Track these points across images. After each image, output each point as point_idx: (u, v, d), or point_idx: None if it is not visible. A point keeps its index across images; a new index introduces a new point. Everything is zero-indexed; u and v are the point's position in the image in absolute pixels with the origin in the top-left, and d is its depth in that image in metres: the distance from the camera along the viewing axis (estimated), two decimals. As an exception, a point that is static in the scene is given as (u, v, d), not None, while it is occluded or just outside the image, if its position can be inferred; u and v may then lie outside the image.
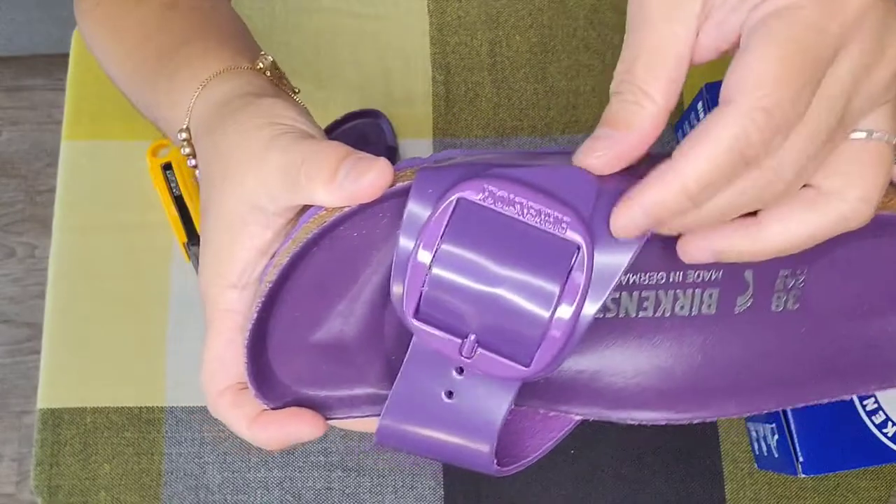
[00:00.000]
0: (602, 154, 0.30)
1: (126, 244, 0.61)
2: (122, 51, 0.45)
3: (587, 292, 0.30)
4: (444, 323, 0.31)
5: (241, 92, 0.37)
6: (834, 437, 0.50)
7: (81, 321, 0.60)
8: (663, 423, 0.36)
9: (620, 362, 0.37)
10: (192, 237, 0.61)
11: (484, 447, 0.33)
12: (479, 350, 0.31)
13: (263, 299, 0.33)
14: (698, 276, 0.35)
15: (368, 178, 0.31)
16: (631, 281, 0.35)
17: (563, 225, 0.30)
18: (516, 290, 0.30)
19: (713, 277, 0.36)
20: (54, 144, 1.36)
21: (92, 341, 0.60)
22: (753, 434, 0.57)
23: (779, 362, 0.37)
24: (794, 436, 0.50)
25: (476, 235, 0.30)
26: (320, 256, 0.33)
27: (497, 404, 0.32)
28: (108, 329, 0.60)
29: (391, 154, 0.62)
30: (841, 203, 0.29)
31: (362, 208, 0.32)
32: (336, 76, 0.65)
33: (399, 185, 0.32)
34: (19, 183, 1.37)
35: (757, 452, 0.57)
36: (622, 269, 0.30)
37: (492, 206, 0.30)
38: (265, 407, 0.35)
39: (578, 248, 0.30)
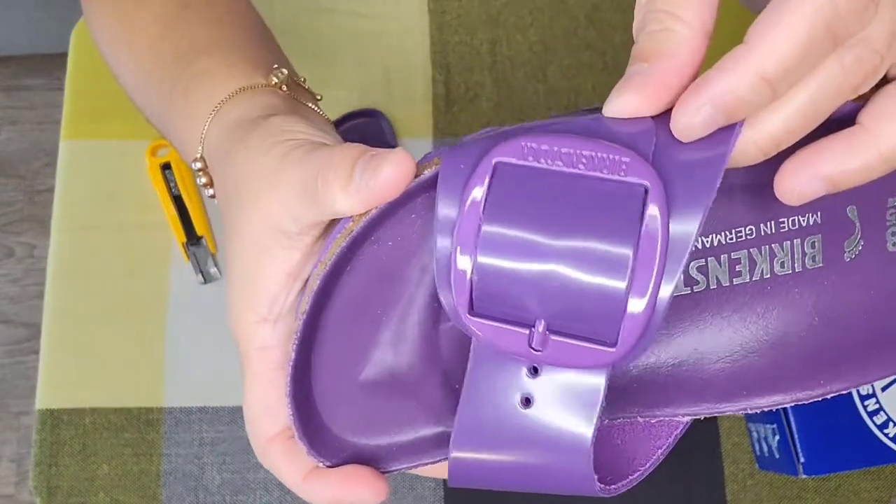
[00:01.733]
0: (635, 90, 0.25)
1: (125, 244, 0.61)
2: (135, 50, 0.44)
3: (668, 238, 0.24)
4: (505, 314, 0.26)
5: (253, 116, 0.36)
6: (835, 437, 0.50)
7: (80, 321, 0.60)
8: (790, 404, 0.30)
9: (724, 344, 0.31)
10: (191, 237, 0.60)
11: (579, 460, 0.27)
12: (552, 337, 0.26)
13: (300, 334, 0.29)
14: (794, 222, 0.30)
15: (386, 170, 0.28)
16: (716, 242, 0.30)
17: (623, 166, 0.25)
18: (581, 257, 0.25)
19: (811, 221, 0.30)
20: (53, 144, 1.36)
21: (91, 342, 0.59)
22: (754, 435, 0.57)
23: None
24: (795, 436, 0.50)
25: (523, 202, 0.25)
26: (356, 277, 0.30)
27: (586, 403, 0.27)
28: (106, 329, 0.60)
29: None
30: None
31: (391, 209, 0.29)
32: (336, 76, 0.65)
33: (425, 174, 0.28)
34: (18, 183, 1.37)
35: (758, 453, 0.57)
36: (707, 205, 0.24)
37: (535, 165, 0.26)
38: (319, 463, 0.31)
39: (646, 189, 0.25)
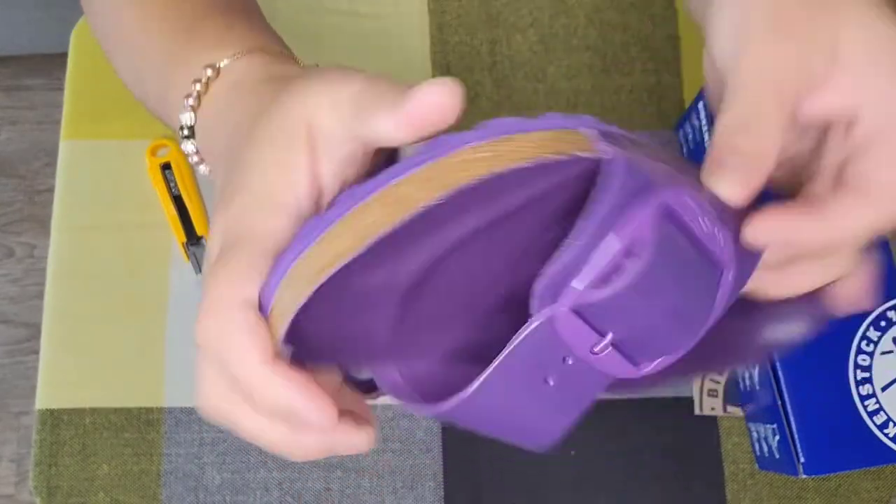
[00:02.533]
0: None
1: (125, 244, 0.61)
2: (131, 30, 0.43)
3: (719, 311, 0.31)
4: (591, 317, 0.29)
5: (277, 66, 0.36)
6: (835, 437, 0.50)
7: (80, 321, 0.60)
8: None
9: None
10: (191, 237, 0.60)
11: (563, 425, 0.32)
12: (609, 349, 0.30)
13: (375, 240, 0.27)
14: None
15: (433, 91, 0.28)
16: None
17: (721, 243, 0.30)
18: (670, 308, 0.30)
19: None
20: (53, 144, 1.36)
21: (91, 342, 0.59)
22: (754, 435, 0.57)
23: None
24: (796, 436, 0.50)
25: (662, 245, 0.28)
26: (465, 255, 0.30)
27: (592, 389, 0.32)
28: (106, 329, 0.60)
29: (392, 153, 0.61)
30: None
31: (530, 178, 0.28)
32: (336, 76, 0.65)
33: (573, 154, 0.28)
34: (18, 183, 1.37)
35: (758, 453, 0.57)
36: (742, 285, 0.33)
37: (683, 219, 0.29)
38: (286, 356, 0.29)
39: (722, 271, 0.31)
